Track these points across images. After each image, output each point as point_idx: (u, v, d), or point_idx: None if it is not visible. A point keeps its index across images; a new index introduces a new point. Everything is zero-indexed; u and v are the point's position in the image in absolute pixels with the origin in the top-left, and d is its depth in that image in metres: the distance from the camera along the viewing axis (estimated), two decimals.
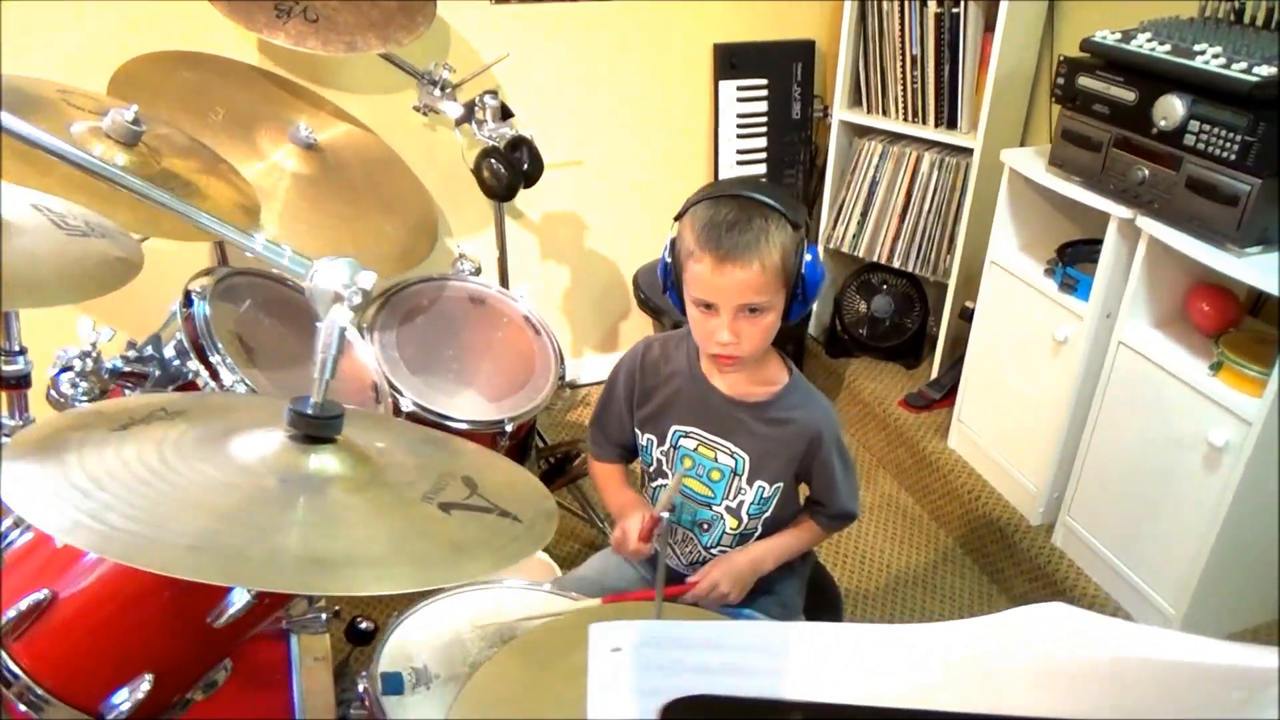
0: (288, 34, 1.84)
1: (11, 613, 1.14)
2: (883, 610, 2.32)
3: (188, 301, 1.56)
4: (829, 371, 3.06)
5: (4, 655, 1.16)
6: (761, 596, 1.59)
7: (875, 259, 2.85)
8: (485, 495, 0.85)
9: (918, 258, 2.77)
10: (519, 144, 2.20)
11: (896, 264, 2.81)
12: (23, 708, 1.16)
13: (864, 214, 2.83)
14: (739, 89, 2.82)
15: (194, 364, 1.48)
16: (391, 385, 1.85)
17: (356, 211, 1.90)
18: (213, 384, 1.47)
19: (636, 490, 1.62)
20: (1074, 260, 2.17)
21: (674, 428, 1.52)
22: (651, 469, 1.58)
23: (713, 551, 1.57)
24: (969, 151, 2.59)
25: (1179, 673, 0.50)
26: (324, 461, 0.83)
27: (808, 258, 1.35)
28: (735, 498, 1.52)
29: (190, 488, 0.72)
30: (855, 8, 2.68)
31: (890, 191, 2.77)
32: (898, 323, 2.94)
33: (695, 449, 1.52)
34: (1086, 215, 2.10)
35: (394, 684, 1.34)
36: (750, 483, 1.50)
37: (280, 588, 0.63)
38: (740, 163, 2.89)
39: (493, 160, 2.13)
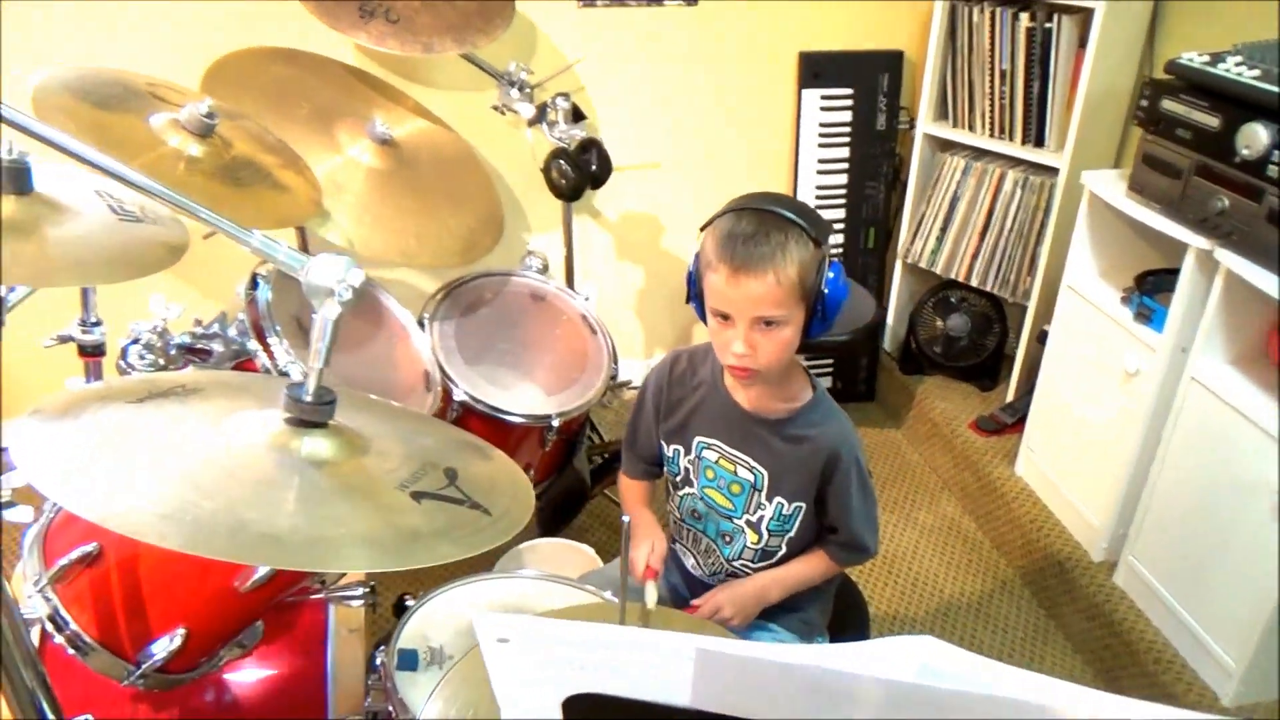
0: (369, 34, 1.93)
1: (64, 561, 1.25)
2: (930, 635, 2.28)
3: (253, 284, 1.66)
4: (901, 388, 3.01)
5: (58, 601, 1.28)
6: (784, 614, 1.59)
7: (953, 276, 2.79)
8: (462, 487, 0.90)
9: (997, 277, 2.70)
10: (589, 146, 2.25)
11: (975, 282, 2.74)
12: (71, 651, 1.26)
13: (944, 229, 2.77)
14: (823, 98, 2.80)
15: (253, 344, 1.58)
16: (445, 374, 1.93)
17: (423, 206, 1.98)
18: (269, 364, 1.56)
19: (653, 509, 1.64)
20: (1152, 290, 2.09)
21: (697, 438, 1.54)
22: (678, 478, 1.60)
23: (734, 564, 1.58)
24: (1055, 171, 2.51)
25: (1028, 714, 0.50)
26: (314, 444, 0.88)
27: (829, 275, 1.35)
28: (755, 512, 1.52)
29: (180, 460, 0.78)
30: (945, 20, 2.63)
31: (972, 208, 2.70)
32: (974, 342, 2.87)
33: (717, 461, 1.53)
34: (1168, 244, 2.02)
35: (409, 660, 1.41)
36: (769, 498, 1.51)
37: (230, 558, 0.68)
38: (821, 172, 2.87)
39: (561, 161, 2.18)
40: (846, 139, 2.84)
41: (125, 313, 1.54)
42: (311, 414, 0.88)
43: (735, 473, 1.51)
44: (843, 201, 2.90)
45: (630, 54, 2.70)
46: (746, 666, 0.54)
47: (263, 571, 1.25)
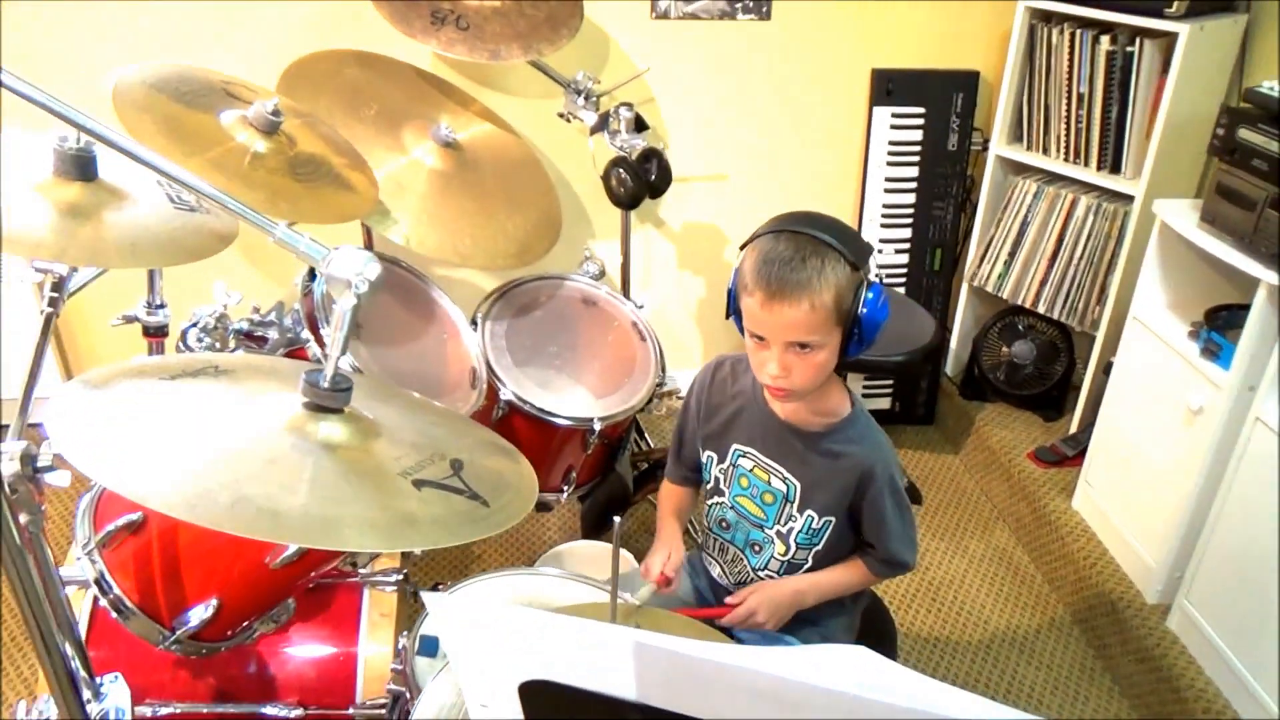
0: (439, 40, 2.00)
1: (110, 527, 1.33)
2: (970, 667, 2.23)
3: (311, 276, 1.73)
4: (960, 414, 2.95)
5: (104, 565, 1.35)
6: (805, 627, 1.58)
7: (1020, 302, 2.73)
8: (465, 478, 0.93)
9: (1065, 305, 2.63)
10: (650, 156, 2.28)
11: (1042, 309, 2.68)
12: (113, 614, 1.34)
13: (1012, 254, 2.72)
14: (894, 115, 2.77)
15: (306, 333, 1.64)
16: (493, 373, 1.97)
17: (481, 208, 2.03)
18: (319, 353, 1.63)
19: (682, 520, 1.65)
20: (1221, 325, 2.01)
21: (734, 446, 1.55)
22: (709, 486, 1.61)
23: (760, 574, 1.58)
24: (1130, 198, 2.44)
25: None
26: (329, 428, 0.92)
27: (868, 296, 1.34)
28: (786, 524, 1.52)
29: (198, 435, 0.83)
30: (1023, 41, 2.59)
31: (1042, 233, 2.64)
32: (1039, 371, 2.80)
33: (751, 469, 1.53)
34: (1240, 278, 1.94)
35: (429, 646, 1.45)
36: (800, 510, 1.51)
37: (226, 528, 0.72)
38: (889, 190, 2.84)
39: (620, 170, 2.21)
40: (916, 158, 2.81)
41: (190, 297, 1.62)
42: (328, 399, 0.92)
43: (769, 482, 1.52)
44: (909, 221, 2.87)
45: (702, 66, 2.72)
46: (684, 664, 0.55)
47: (291, 549, 1.31)
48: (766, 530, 1.54)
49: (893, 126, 2.79)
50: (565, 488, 2.14)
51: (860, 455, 1.47)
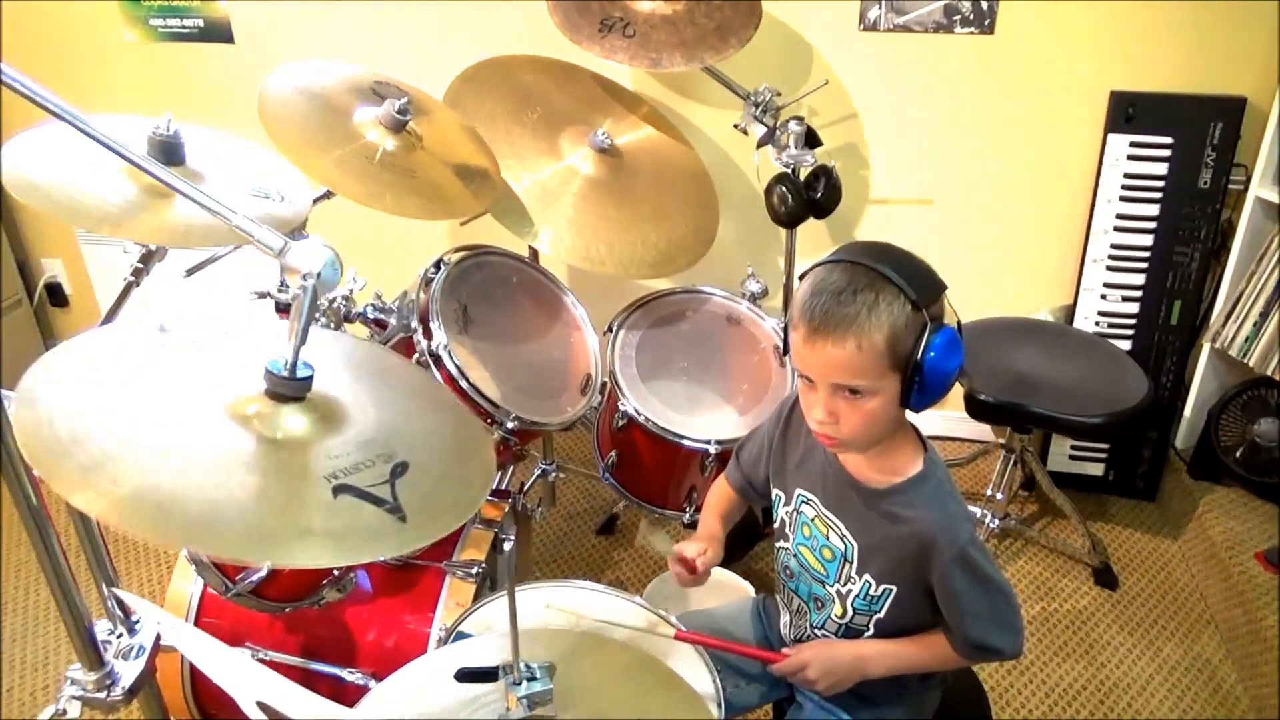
0: (602, 48, 2.01)
1: None
2: None
3: (436, 268, 1.80)
4: (1184, 493, 2.54)
5: None
6: (862, 709, 1.42)
7: (1270, 373, 2.29)
8: (400, 485, 0.91)
9: None
10: (820, 174, 2.16)
11: None
12: (188, 560, 1.47)
13: (1264, 315, 2.29)
14: (1133, 144, 2.43)
15: (416, 323, 1.72)
16: (615, 383, 1.96)
17: (626, 216, 2.01)
18: (424, 342, 1.69)
19: (725, 525, 1.55)
20: None
21: (798, 490, 1.43)
22: (777, 527, 1.49)
23: (817, 632, 1.45)
24: None
25: None
26: (288, 417, 0.95)
27: (934, 340, 1.18)
28: (845, 584, 1.38)
29: (144, 404, 0.88)
30: None
31: None
32: None
33: (813, 519, 1.41)
34: None
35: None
36: (859, 574, 1.36)
37: (112, 520, 0.75)
38: (1120, 229, 2.49)
39: (783, 186, 2.11)
40: (1158, 194, 2.45)
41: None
42: (283, 388, 0.95)
43: (828, 537, 1.38)
44: (1143, 266, 2.50)
45: (912, 81, 2.54)
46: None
47: None
48: (828, 587, 1.41)
49: (1131, 157, 2.45)
50: (687, 508, 2.09)
51: (921, 523, 1.29)
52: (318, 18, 2.67)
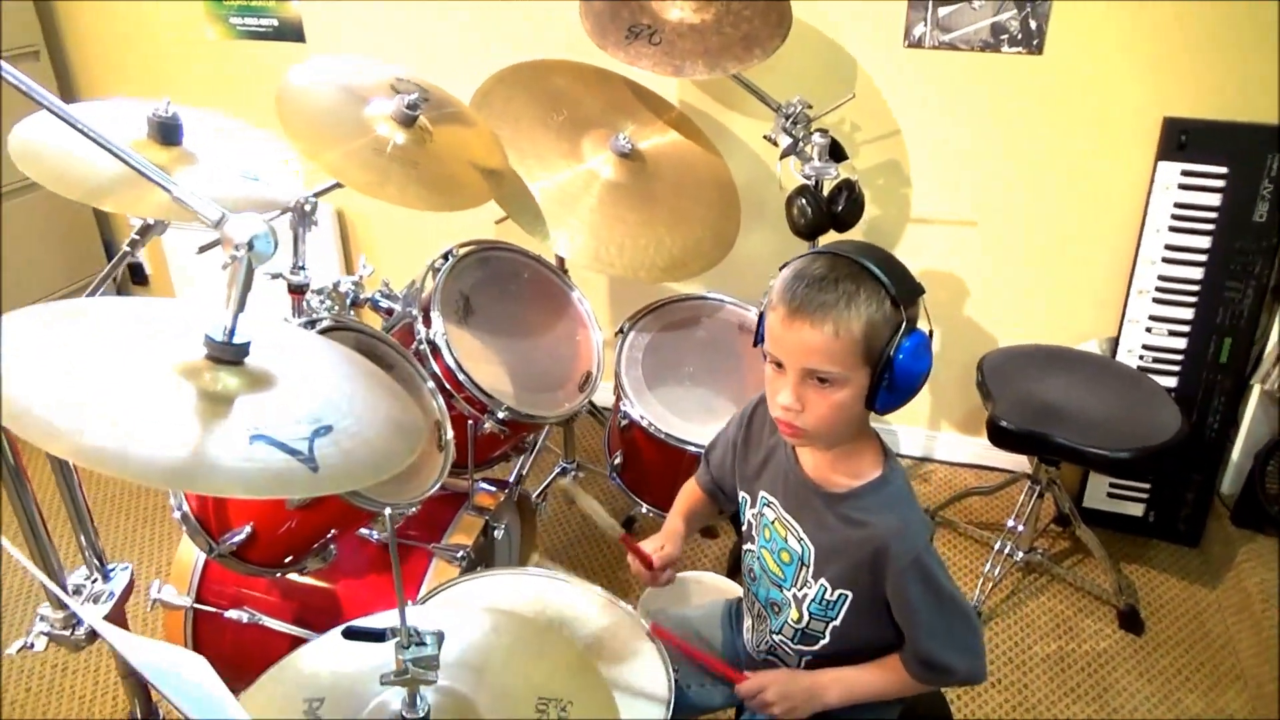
0: (627, 54, 2.04)
1: None
2: None
3: (445, 258, 1.86)
4: (1226, 541, 2.43)
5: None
6: None
7: None
8: (319, 444, 0.97)
9: None
10: (843, 187, 2.15)
11: None
12: (177, 517, 1.55)
13: None
14: (1184, 173, 2.34)
15: (416, 310, 1.78)
16: (619, 384, 1.98)
17: (641, 219, 2.04)
18: (422, 330, 1.75)
19: (690, 526, 1.56)
20: None
21: (761, 492, 1.43)
22: (743, 530, 1.49)
23: (775, 638, 1.44)
24: None
25: None
26: (223, 378, 1.01)
27: (905, 343, 1.18)
28: (801, 588, 1.37)
29: (94, 367, 0.96)
30: None
31: None
32: None
33: (773, 521, 1.40)
34: None
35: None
36: (814, 578, 1.35)
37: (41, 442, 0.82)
38: (1169, 260, 2.40)
39: (803, 199, 2.11)
40: (1209, 226, 2.34)
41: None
42: (220, 352, 1.01)
43: (786, 540, 1.38)
44: (1192, 300, 2.40)
45: (956, 100, 2.50)
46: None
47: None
48: (784, 591, 1.40)
49: (1183, 186, 2.35)
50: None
51: (878, 529, 1.28)
52: (381, 20, 2.79)
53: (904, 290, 1.19)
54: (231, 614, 1.76)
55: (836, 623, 1.35)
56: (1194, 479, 2.49)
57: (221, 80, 3.01)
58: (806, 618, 1.37)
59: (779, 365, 1.24)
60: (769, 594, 1.43)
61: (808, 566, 1.35)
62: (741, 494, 1.48)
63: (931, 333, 1.25)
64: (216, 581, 1.83)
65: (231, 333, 1.02)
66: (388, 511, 0.99)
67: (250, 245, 0.97)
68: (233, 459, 0.91)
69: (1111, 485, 2.58)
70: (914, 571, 1.26)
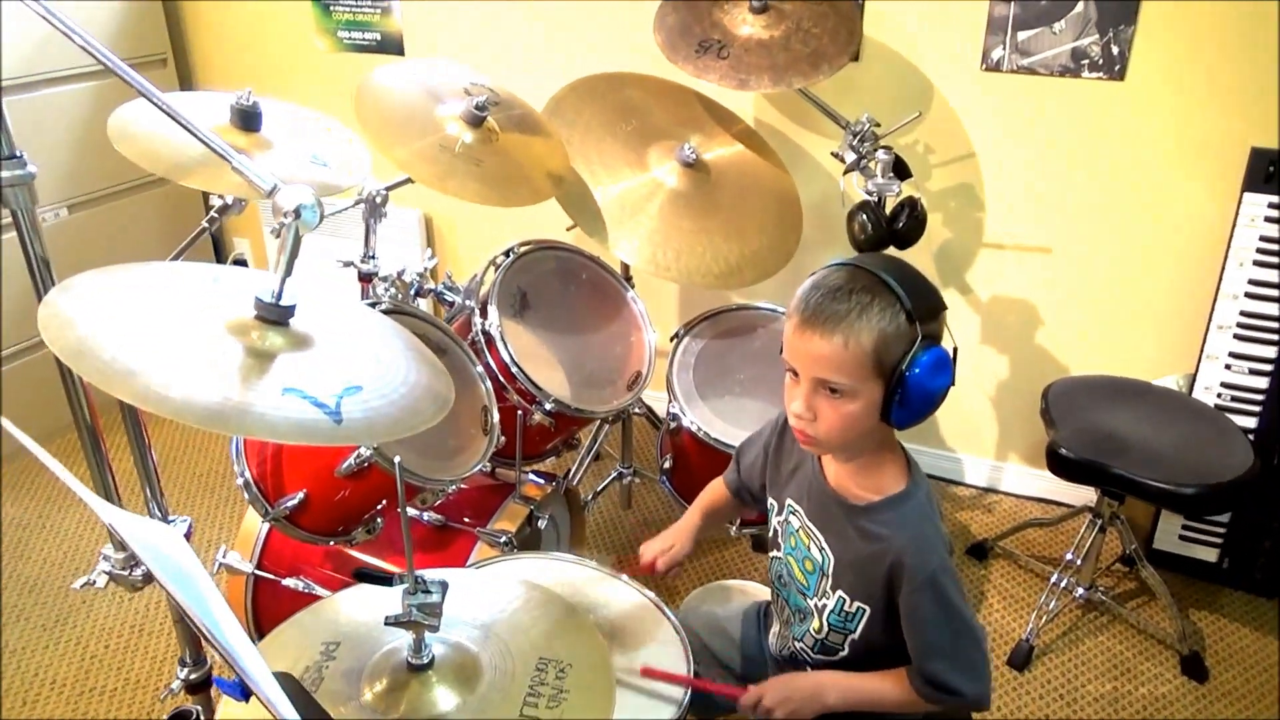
0: (696, 67, 2.10)
1: None
2: None
3: (506, 254, 1.95)
4: None
5: (241, 443, 1.69)
6: None
7: None
8: (347, 402, 1.04)
9: None
10: (906, 205, 2.15)
11: None
12: (239, 483, 1.66)
13: None
14: (1272, 205, 2.26)
15: (472, 302, 1.86)
16: (670, 388, 2.03)
17: (699, 226, 2.08)
18: (479, 321, 1.83)
19: (709, 522, 1.58)
20: None
21: (789, 500, 1.44)
22: (770, 536, 1.51)
23: (797, 645, 1.45)
24: None
25: None
26: (270, 337, 1.10)
27: (921, 357, 1.18)
28: (821, 598, 1.38)
29: (154, 320, 1.06)
30: None
31: None
32: None
33: (798, 529, 1.42)
34: None
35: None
36: (834, 589, 1.36)
37: (96, 380, 0.92)
38: (1253, 295, 2.31)
39: (864, 214, 2.12)
40: None
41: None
42: (267, 312, 1.10)
43: (810, 549, 1.39)
44: (1276, 339, 2.30)
45: (1034, 125, 2.47)
46: None
47: (349, 460, 1.53)
48: (808, 600, 1.41)
49: (1270, 219, 2.27)
50: (729, 523, 2.12)
51: (894, 543, 1.28)
52: (475, 33, 2.93)
53: (921, 305, 1.19)
54: (288, 582, 1.87)
55: (855, 636, 1.36)
56: (1274, 526, 2.38)
57: (328, 89, 3.20)
58: (826, 629, 1.38)
59: (794, 374, 1.27)
60: (795, 601, 1.44)
61: (827, 577, 1.36)
62: (770, 500, 1.50)
63: (956, 350, 1.25)
64: (276, 551, 1.94)
65: (279, 295, 1.10)
66: (397, 459, 1.03)
67: (297, 214, 1.05)
68: (263, 406, 0.99)
69: (1184, 528, 2.49)
70: (928, 589, 1.26)
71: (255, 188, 1.06)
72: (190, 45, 3.41)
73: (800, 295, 1.25)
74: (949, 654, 1.28)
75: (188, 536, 1.48)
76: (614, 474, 2.56)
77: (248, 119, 1.45)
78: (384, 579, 1.04)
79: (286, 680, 0.82)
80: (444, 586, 1.03)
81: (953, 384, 1.24)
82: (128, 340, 1.01)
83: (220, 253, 3.70)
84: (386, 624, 1.01)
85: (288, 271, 1.10)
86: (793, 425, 1.30)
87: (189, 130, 1.05)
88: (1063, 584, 2.31)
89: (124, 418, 1.35)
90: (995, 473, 2.87)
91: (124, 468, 1.38)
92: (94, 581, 1.36)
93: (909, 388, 1.19)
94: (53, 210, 2.92)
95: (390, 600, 1.05)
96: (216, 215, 1.48)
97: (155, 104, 1.06)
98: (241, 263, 3.69)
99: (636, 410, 2.46)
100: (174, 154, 1.34)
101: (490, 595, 1.22)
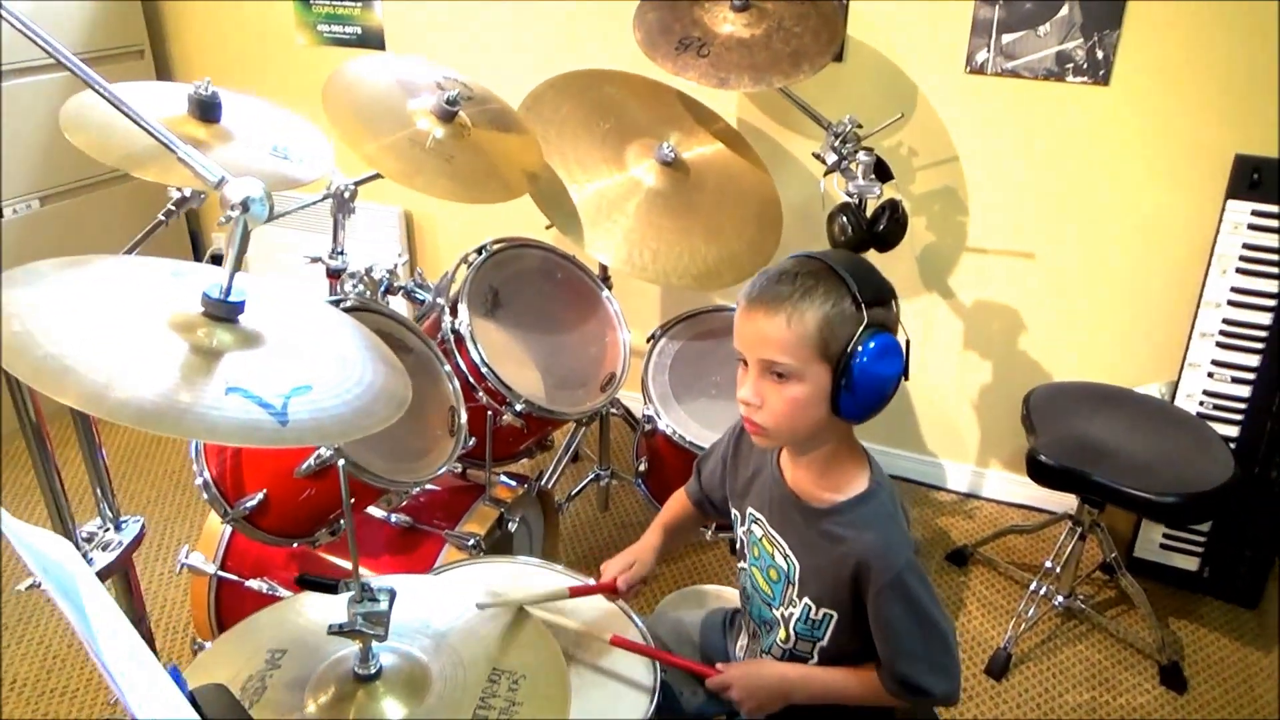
0: (675, 65, 2.07)
1: None
2: None
3: (479, 252, 1.91)
4: None
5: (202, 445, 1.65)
6: None
7: None
8: (294, 403, 1.00)
9: None
10: (887, 207, 2.12)
11: None
12: (199, 483, 1.62)
13: None
14: (1255, 213, 2.24)
15: (442, 300, 1.83)
16: (644, 388, 1.99)
17: (678, 226, 2.05)
18: (449, 319, 1.80)
19: (671, 537, 1.54)
20: None
21: (750, 509, 1.41)
22: (737, 547, 1.48)
23: (765, 657, 1.42)
24: None
25: None
26: (218, 335, 1.06)
27: (868, 344, 1.16)
28: (787, 607, 1.35)
29: (97, 313, 1.02)
30: None
31: None
32: None
33: (761, 539, 1.39)
34: None
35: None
36: (799, 596, 1.33)
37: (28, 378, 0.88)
38: (1235, 303, 2.29)
39: (844, 216, 2.09)
40: (1278, 270, 2.24)
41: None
42: (215, 309, 1.06)
43: (773, 557, 1.36)
44: (1259, 347, 2.28)
45: (1017, 130, 2.45)
46: None
47: (308, 462, 1.50)
48: (773, 610, 1.38)
49: (1253, 227, 2.25)
50: (705, 528, 2.09)
51: (858, 545, 1.25)
52: (456, 29, 2.90)
53: (868, 291, 1.18)
54: (252, 584, 1.83)
55: (824, 643, 1.33)
56: (1255, 535, 2.36)
57: (308, 83, 3.15)
58: (794, 638, 1.35)
59: (744, 363, 1.25)
60: (761, 612, 1.41)
61: (793, 585, 1.33)
62: (733, 510, 1.47)
63: (909, 342, 1.23)
64: (240, 552, 1.90)
65: (227, 291, 1.07)
66: (341, 463, 1.00)
67: (245, 207, 1.01)
68: (204, 406, 0.95)
69: (1165, 536, 2.47)
70: (895, 591, 1.24)
71: (201, 178, 1.02)
72: (169, 38, 3.36)
73: (749, 282, 1.24)
74: (919, 655, 1.26)
75: (139, 539, 1.44)
76: (591, 476, 2.52)
77: (206, 109, 1.42)
78: (329, 586, 1.00)
79: (216, 693, 0.78)
80: (392, 594, 0.99)
81: (905, 376, 1.22)
82: (66, 336, 0.97)
83: (198, 249, 3.65)
84: (330, 633, 0.98)
85: (236, 267, 1.07)
86: (742, 416, 1.27)
87: (133, 119, 1.01)
88: (1042, 591, 2.29)
89: (73, 416, 1.31)
90: (977, 478, 2.85)
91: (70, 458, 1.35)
92: (39, 584, 1.32)
93: (855, 374, 1.17)
94: (24, 202, 2.87)
95: (340, 608, 1.02)
96: (174, 208, 1.44)
97: (99, 92, 1.02)
98: (218, 259, 3.64)
99: (614, 411, 2.43)
100: (125, 145, 1.30)
101: (446, 602, 1.18)
